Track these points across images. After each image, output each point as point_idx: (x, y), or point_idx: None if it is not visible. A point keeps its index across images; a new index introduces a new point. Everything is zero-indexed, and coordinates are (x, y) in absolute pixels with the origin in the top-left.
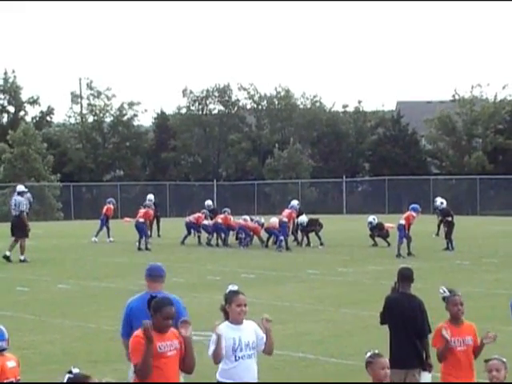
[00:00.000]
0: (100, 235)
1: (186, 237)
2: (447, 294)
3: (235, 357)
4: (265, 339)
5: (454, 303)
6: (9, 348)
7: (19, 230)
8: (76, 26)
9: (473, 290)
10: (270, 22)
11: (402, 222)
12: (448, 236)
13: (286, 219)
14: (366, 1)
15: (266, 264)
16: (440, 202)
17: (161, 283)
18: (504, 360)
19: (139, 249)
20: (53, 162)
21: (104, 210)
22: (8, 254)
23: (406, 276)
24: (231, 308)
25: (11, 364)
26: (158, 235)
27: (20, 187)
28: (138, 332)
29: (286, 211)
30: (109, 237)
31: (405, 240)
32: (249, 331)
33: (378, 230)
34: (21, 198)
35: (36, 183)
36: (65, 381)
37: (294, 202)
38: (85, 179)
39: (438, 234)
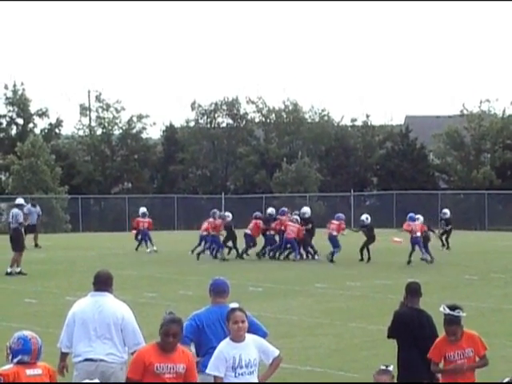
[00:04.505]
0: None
1: (197, 248)
2: (447, 311)
3: (235, 373)
4: (271, 356)
5: (448, 332)
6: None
7: (15, 243)
8: (85, 38)
9: (481, 305)
10: (278, 36)
11: (418, 234)
12: (446, 238)
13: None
14: (374, 6)
15: (274, 277)
16: (443, 212)
17: (225, 298)
18: None
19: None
20: (61, 174)
21: (146, 225)
22: (18, 269)
23: (414, 290)
24: (230, 326)
25: (31, 372)
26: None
27: (19, 200)
28: (144, 349)
29: (296, 225)
30: (147, 247)
31: (410, 247)
32: (250, 348)
33: (367, 230)
34: (18, 211)
35: (44, 195)
36: None
37: (306, 210)
38: (93, 191)
39: (443, 245)
